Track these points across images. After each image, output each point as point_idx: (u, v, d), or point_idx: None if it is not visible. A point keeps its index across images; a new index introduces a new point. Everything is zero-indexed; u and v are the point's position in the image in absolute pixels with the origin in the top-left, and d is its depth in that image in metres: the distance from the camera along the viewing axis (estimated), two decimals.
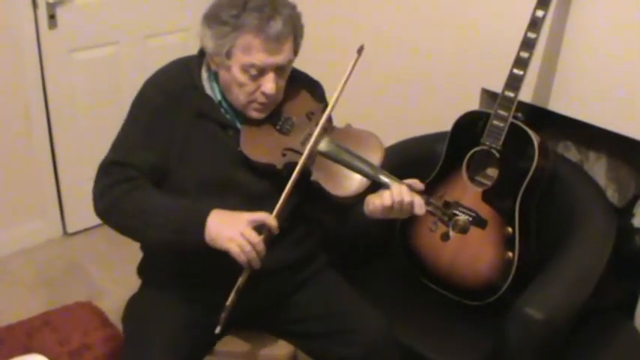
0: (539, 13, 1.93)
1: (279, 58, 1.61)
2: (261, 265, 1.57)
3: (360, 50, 1.64)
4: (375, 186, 1.61)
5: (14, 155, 2.84)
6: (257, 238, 1.54)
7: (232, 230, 1.54)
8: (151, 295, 1.81)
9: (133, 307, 1.83)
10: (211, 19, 1.62)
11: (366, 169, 1.62)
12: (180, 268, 1.74)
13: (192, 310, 1.73)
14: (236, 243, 1.53)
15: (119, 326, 2.13)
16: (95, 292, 2.72)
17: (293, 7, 1.65)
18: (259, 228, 1.57)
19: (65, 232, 3.10)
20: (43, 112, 2.85)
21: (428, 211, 1.60)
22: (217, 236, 1.56)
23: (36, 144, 2.88)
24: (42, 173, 2.94)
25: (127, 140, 1.70)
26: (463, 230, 1.60)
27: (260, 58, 1.59)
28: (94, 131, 2.95)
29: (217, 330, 1.62)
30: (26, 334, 2.30)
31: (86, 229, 3.11)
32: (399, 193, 1.56)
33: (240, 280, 1.59)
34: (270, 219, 1.57)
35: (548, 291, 1.75)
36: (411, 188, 1.59)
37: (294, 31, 1.63)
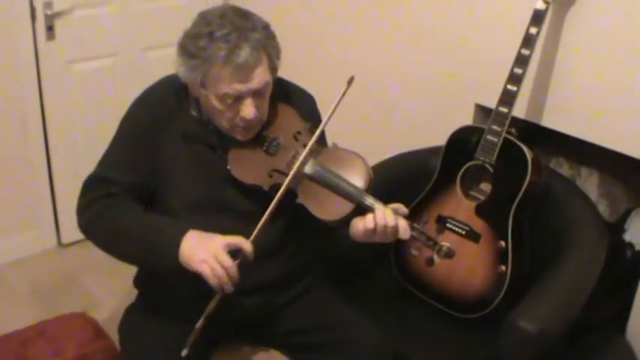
0: (533, 30, 1.96)
1: (252, 84, 1.58)
2: (237, 288, 1.56)
3: (350, 81, 1.64)
4: (361, 210, 1.61)
5: (10, 165, 2.85)
6: (230, 262, 1.53)
7: (206, 252, 1.53)
8: (148, 306, 1.82)
9: (129, 317, 1.84)
10: (182, 49, 1.61)
11: (351, 192, 1.61)
12: (177, 279, 1.75)
13: (189, 320, 1.74)
14: (208, 265, 1.52)
15: (114, 337, 2.13)
16: (90, 302, 2.72)
17: (264, 27, 1.61)
18: (235, 252, 1.56)
19: (60, 243, 3.11)
20: (40, 122, 2.86)
21: (412, 236, 1.60)
22: (190, 258, 1.55)
23: (32, 154, 2.89)
24: (37, 184, 2.95)
25: (113, 158, 1.72)
26: (448, 255, 1.61)
27: (232, 87, 1.57)
28: (90, 142, 2.96)
29: (184, 353, 1.60)
30: (20, 344, 2.29)
31: (81, 240, 3.09)
32: (383, 217, 1.56)
33: (212, 304, 1.58)
34: (246, 244, 1.55)
35: (541, 304, 1.77)
36: (395, 212, 1.58)
37: (267, 52, 1.60)
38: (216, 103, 1.60)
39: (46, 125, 2.88)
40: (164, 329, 1.73)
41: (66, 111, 2.90)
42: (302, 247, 1.82)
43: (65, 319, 2.45)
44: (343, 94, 1.63)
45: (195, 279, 1.60)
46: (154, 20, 3.05)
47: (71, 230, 3.09)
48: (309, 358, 1.80)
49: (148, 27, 3.04)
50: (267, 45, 1.60)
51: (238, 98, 1.59)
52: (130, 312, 1.86)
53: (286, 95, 1.78)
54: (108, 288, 2.80)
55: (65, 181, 3.00)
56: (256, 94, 1.61)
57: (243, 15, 1.61)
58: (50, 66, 2.80)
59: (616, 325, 2.12)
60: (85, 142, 2.98)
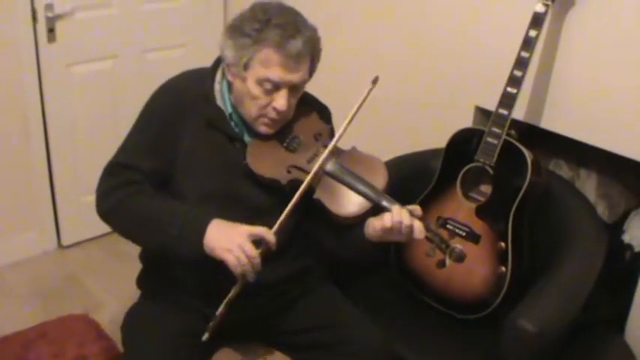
0: (533, 33, 1.97)
1: (295, 77, 1.64)
2: (257, 279, 1.60)
3: (374, 81, 1.69)
4: (377, 210, 1.64)
5: (11, 167, 2.85)
6: (254, 252, 1.57)
7: (231, 242, 1.57)
8: (151, 305, 1.83)
9: (132, 317, 1.84)
10: (234, 30, 1.65)
11: (369, 191, 1.64)
12: (180, 279, 1.76)
13: (192, 320, 1.75)
14: (233, 254, 1.56)
15: (115, 338, 2.14)
16: (90, 304, 2.72)
17: (314, 30, 1.68)
18: (258, 242, 1.59)
19: (60, 245, 3.10)
20: (41, 124, 2.86)
21: (427, 237, 1.63)
22: (216, 246, 1.58)
23: (33, 156, 2.89)
24: (38, 186, 2.95)
25: (135, 144, 1.73)
26: (459, 259, 1.64)
27: (276, 73, 1.62)
28: (90, 144, 2.97)
29: (205, 337, 1.64)
30: (22, 345, 2.30)
31: (81, 242, 3.11)
32: (399, 216, 1.59)
33: (233, 292, 1.62)
34: (269, 234, 1.59)
35: (541, 304, 1.78)
36: (411, 213, 1.61)
37: (312, 52, 1.66)
38: (253, 87, 1.64)
39: (46, 127, 2.88)
40: (167, 329, 1.73)
41: (67, 113, 2.91)
42: (306, 249, 1.84)
43: (66, 321, 2.46)
44: (368, 93, 1.70)
45: (204, 275, 1.63)
46: (155, 22, 3.06)
47: (72, 232, 3.10)
48: (311, 357, 1.81)
49: (148, 29, 3.04)
50: (315, 45, 1.67)
51: (276, 87, 1.64)
52: (133, 312, 1.86)
53: (308, 102, 1.82)
54: (108, 289, 2.81)
55: (66, 183, 3.00)
56: (292, 88, 1.66)
57: (297, 13, 1.68)
58: (51, 68, 2.80)
59: (615, 326, 2.13)
60: (86, 143, 2.98)
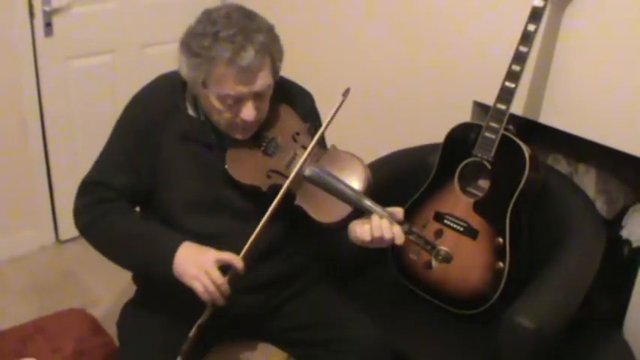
0: (531, 28, 1.96)
1: (255, 87, 1.58)
2: (227, 303, 1.58)
3: (345, 93, 1.63)
4: (359, 212, 1.61)
5: (8, 162, 2.84)
6: (221, 279, 1.55)
7: (198, 269, 1.55)
8: (147, 301, 1.82)
9: (128, 312, 1.84)
10: (185, 47, 1.59)
11: (350, 195, 1.60)
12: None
13: (187, 316, 1.74)
14: (200, 282, 1.54)
15: (112, 333, 2.13)
16: (88, 299, 2.72)
17: (269, 30, 1.60)
18: (225, 268, 1.57)
19: (58, 240, 3.10)
20: (38, 119, 2.86)
21: (410, 241, 1.60)
22: (182, 273, 1.57)
23: (30, 151, 2.89)
24: (36, 180, 2.95)
25: (110, 160, 1.71)
26: (446, 260, 1.61)
27: (234, 88, 1.56)
28: (88, 139, 2.95)
29: None
30: (19, 340, 2.30)
31: (79, 237, 3.07)
32: (379, 229, 1.56)
33: (203, 317, 1.59)
34: (236, 260, 1.56)
35: (538, 300, 1.77)
36: (392, 218, 1.58)
37: (271, 55, 1.59)
38: (216, 103, 1.60)
39: (44, 121, 2.88)
40: (163, 325, 1.73)
41: (64, 107, 2.90)
42: (300, 247, 1.82)
43: (63, 316, 2.46)
44: (339, 107, 1.63)
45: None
46: (153, 17, 3.05)
47: (69, 227, 3.06)
48: (308, 354, 1.80)
49: (146, 23, 3.03)
50: (271, 48, 1.60)
51: (239, 99, 1.59)
52: (129, 308, 1.86)
53: (285, 94, 1.77)
54: (106, 284, 2.80)
55: (63, 177, 2.99)
56: (257, 96, 1.61)
57: (249, 16, 1.60)
58: (48, 62, 2.80)
59: (613, 322, 2.12)
60: (84, 138, 2.97)
